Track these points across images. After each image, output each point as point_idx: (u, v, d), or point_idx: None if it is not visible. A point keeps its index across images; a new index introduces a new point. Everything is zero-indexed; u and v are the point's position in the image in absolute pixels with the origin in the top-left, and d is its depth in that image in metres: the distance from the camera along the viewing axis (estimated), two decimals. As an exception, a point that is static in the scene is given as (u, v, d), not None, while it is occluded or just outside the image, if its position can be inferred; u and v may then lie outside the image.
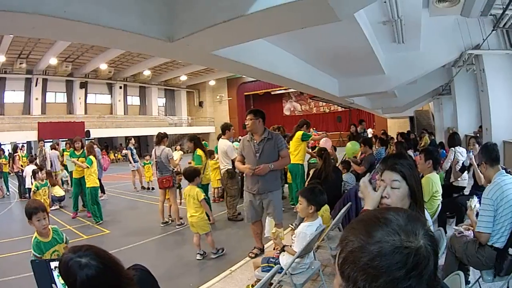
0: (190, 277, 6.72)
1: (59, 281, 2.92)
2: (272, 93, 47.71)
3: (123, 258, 2.14)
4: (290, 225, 8.27)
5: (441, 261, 4.63)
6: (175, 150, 16.61)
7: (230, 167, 10.27)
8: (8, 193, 18.56)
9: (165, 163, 10.14)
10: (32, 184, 12.78)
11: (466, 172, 8.43)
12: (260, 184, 6.66)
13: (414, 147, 14.27)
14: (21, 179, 16.84)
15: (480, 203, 4.43)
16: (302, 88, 11.66)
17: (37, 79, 36.80)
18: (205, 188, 9.81)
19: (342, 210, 6.01)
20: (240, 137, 12.90)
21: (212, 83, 51.17)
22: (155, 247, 9.04)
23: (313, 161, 11.29)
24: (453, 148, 9.20)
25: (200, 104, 53.42)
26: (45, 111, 37.78)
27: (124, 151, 26.02)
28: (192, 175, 7.65)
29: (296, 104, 50.80)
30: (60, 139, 28.15)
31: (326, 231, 5.57)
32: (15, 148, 19.15)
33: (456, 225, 5.69)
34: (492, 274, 4.21)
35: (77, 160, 11.74)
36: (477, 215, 4.38)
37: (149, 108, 49.22)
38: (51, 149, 17.99)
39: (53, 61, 33.99)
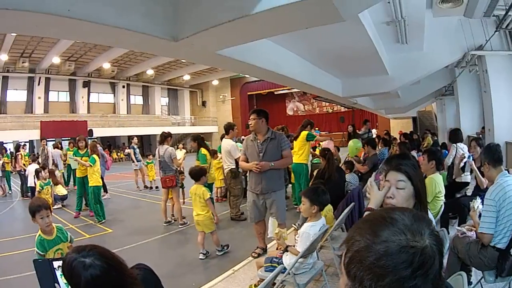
0: (193, 276, 6.72)
1: (62, 280, 2.92)
2: (275, 93, 47.60)
3: (126, 257, 2.15)
4: (293, 225, 8.27)
5: (444, 261, 4.64)
6: (178, 149, 16.59)
7: (234, 166, 10.29)
8: (10, 192, 18.54)
9: (168, 163, 10.15)
10: (35, 184, 12.83)
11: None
12: (263, 184, 6.66)
13: (417, 147, 14.26)
14: (23, 178, 16.83)
15: (483, 204, 4.42)
16: (305, 88, 11.67)
17: (39, 78, 36.80)
18: (209, 187, 9.82)
19: (346, 211, 6.00)
20: (243, 137, 12.89)
21: (215, 82, 51.04)
22: (157, 246, 9.04)
23: (316, 161, 11.29)
24: (454, 144, 9.19)
25: (203, 103, 53.34)
26: (47, 110, 37.75)
27: (127, 150, 25.99)
28: (198, 174, 7.66)
29: (299, 104, 50.71)
30: (62, 138, 28.19)
31: (330, 231, 5.57)
32: (17, 147, 19.15)
33: (458, 226, 5.70)
34: (494, 275, 4.22)
35: (81, 159, 11.75)
36: (480, 216, 4.38)
37: (152, 108, 49.16)
38: (54, 148, 18.01)
39: (56, 60, 33.94)
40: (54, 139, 27.29)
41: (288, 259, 4.71)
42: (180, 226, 10.10)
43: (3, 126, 32.12)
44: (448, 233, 4.78)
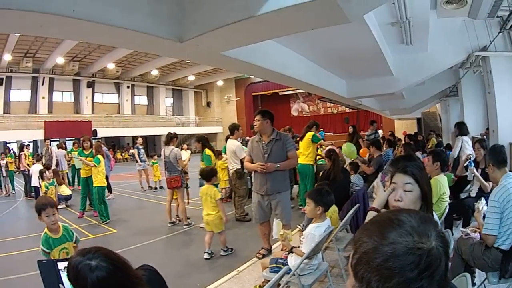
0: (197, 277, 6.73)
1: (66, 281, 2.92)
2: (280, 93, 47.42)
3: (130, 258, 2.15)
4: (297, 226, 8.28)
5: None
6: (182, 149, 16.64)
7: (239, 167, 10.29)
8: (13, 192, 18.63)
9: (173, 163, 10.15)
10: (40, 184, 12.88)
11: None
12: (268, 185, 6.68)
13: (422, 148, 14.26)
14: (27, 178, 16.87)
15: (487, 205, 4.42)
16: (310, 89, 11.67)
17: (43, 78, 36.88)
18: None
19: (350, 212, 6.00)
20: (248, 137, 12.90)
21: (220, 83, 51.03)
22: (162, 246, 9.07)
23: (321, 162, 11.28)
24: (460, 137, 9.20)
25: (208, 104, 53.37)
26: (51, 110, 37.87)
27: (131, 151, 26.04)
28: (209, 174, 7.72)
29: (304, 105, 50.59)
30: (66, 138, 28.22)
31: (335, 232, 5.57)
32: (21, 147, 19.18)
33: (462, 227, 5.70)
34: (498, 276, 4.22)
35: (85, 159, 11.76)
36: (484, 217, 4.38)
37: (156, 108, 49.23)
38: (58, 148, 18.02)
39: (60, 60, 34.07)
40: (58, 139, 27.34)
41: (293, 260, 4.71)
42: (184, 227, 10.12)
43: (7, 126, 32.18)
44: (452, 234, 4.78)
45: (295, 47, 8.19)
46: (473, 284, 4.63)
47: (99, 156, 11.29)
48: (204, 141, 10.45)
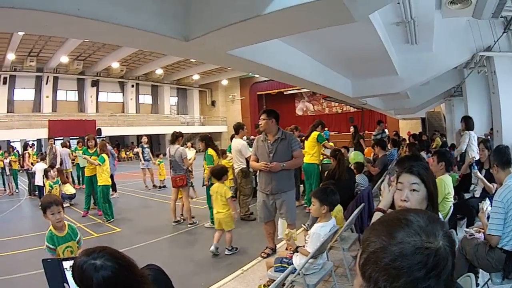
0: (201, 276, 6.73)
1: (72, 280, 2.91)
2: (285, 93, 47.47)
3: (134, 257, 2.14)
4: (302, 225, 8.26)
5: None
6: (187, 148, 16.66)
7: (244, 166, 10.33)
8: (17, 191, 18.66)
9: (179, 162, 10.15)
10: (44, 183, 12.89)
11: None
12: (273, 184, 6.68)
13: (426, 148, 14.23)
14: (30, 177, 16.89)
15: (491, 205, 4.42)
16: (315, 88, 11.67)
17: (47, 77, 36.86)
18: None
19: (355, 211, 6.00)
20: (252, 136, 12.90)
21: (224, 82, 51.06)
22: (166, 245, 9.07)
23: (325, 162, 11.27)
24: (467, 132, 9.21)
25: (213, 103, 53.38)
26: (55, 109, 37.90)
27: (135, 150, 26.07)
28: (220, 173, 7.78)
29: (309, 104, 50.58)
30: (71, 137, 28.26)
31: (340, 232, 5.57)
32: (25, 145, 19.20)
33: (466, 227, 5.69)
34: (501, 277, 4.22)
35: (90, 158, 11.79)
36: (488, 217, 4.38)
37: (161, 107, 49.21)
38: (62, 147, 18.07)
39: (64, 59, 34.01)
40: (62, 138, 27.37)
41: (298, 260, 4.71)
42: (189, 226, 10.13)
43: (10, 124, 32.17)
44: (457, 234, 4.78)
45: (300, 47, 8.19)
46: (477, 284, 4.64)
47: (104, 155, 11.31)
48: (208, 140, 10.38)
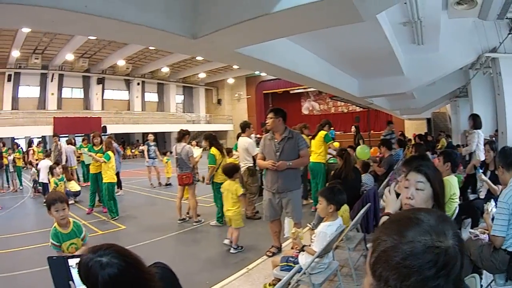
0: (206, 274, 6.74)
1: (78, 278, 2.89)
2: (291, 92, 47.27)
3: (139, 254, 2.12)
4: (308, 224, 8.26)
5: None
6: (192, 145, 16.69)
7: (251, 164, 10.37)
8: (21, 187, 18.68)
9: (185, 160, 10.17)
10: (49, 180, 12.94)
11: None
12: (279, 183, 6.69)
13: (432, 149, 14.22)
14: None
15: (496, 206, 4.42)
16: (322, 87, 11.66)
17: (53, 74, 36.84)
18: (218, 186, 9.78)
19: (361, 211, 6.00)
20: (258, 135, 12.91)
21: (230, 81, 50.93)
22: (171, 243, 9.09)
23: (332, 161, 11.26)
24: (475, 131, 9.21)
25: (219, 101, 53.25)
26: (61, 106, 37.86)
27: (141, 147, 26.10)
28: (232, 171, 7.86)
29: (315, 104, 50.39)
30: (76, 134, 28.27)
31: (346, 231, 5.57)
32: (29, 142, 19.23)
33: (471, 228, 5.69)
34: (505, 278, 4.23)
35: (95, 155, 11.81)
36: (493, 219, 4.38)
37: (167, 105, 49.14)
38: (67, 144, 18.10)
39: (70, 57, 33.96)
40: (67, 135, 27.38)
41: (304, 259, 4.72)
42: (194, 224, 10.15)
43: (15, 121, 32.16)
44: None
45: (308, 46, 8.21)
46: (480, 285, 4.64)
47: (109, 152, 11.32)
48: (212, 139, 10.32)
